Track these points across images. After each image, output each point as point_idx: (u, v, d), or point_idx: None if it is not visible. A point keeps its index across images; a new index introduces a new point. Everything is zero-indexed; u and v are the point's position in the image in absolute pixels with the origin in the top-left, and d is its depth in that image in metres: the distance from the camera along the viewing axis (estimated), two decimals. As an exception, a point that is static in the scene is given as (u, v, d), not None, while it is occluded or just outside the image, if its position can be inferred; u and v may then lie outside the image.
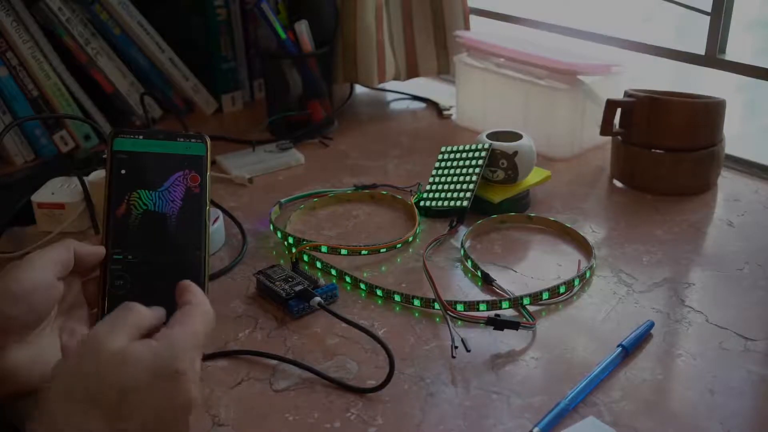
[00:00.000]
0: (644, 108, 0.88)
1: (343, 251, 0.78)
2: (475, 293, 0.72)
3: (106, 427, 0.44)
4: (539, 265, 0.76)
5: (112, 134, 0.57)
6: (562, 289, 0.70)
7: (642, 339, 0.64)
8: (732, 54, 0.97)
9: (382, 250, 0.79)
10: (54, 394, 0.45)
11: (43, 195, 0.84)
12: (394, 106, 1.24)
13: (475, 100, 1.11)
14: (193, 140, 0.58)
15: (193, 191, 0.57)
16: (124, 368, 0.45)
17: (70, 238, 0.56)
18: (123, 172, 0.56)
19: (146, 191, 0.56)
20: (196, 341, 0.48)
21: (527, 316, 0.68)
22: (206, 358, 0.63)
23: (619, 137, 0.92)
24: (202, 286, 0.56)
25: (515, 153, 0.84)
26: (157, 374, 0.45)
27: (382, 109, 1.22)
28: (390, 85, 1.24)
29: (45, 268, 0.53)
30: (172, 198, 0.57)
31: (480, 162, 0.84)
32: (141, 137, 0.57)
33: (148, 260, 0.55)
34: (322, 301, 0.68)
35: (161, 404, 0.45)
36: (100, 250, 0.55)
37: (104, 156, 0.58)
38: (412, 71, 1.21)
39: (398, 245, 0.80)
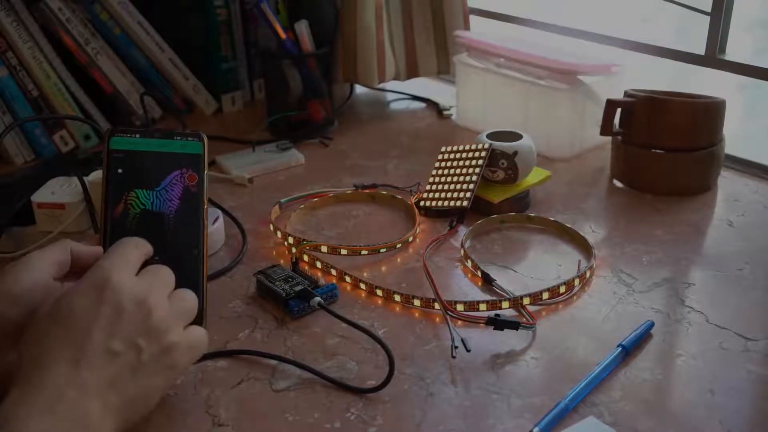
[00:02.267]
0: (644, 108, 0.88)
1: (343, 251, 0.78)
2: (475, 293, 0.72)
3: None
4: (539, 265, 0.76)
5: (109, 133, 0.57)
6: (562, 289, 0.71)
7: (642, 339, 0.64)
8: (732, 54, 0.97)
9: (382, 250, 0.79)
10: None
11: (43, 195, 0.84)
12: (394, 106, 1.24)
13: (475, 100, 1.11)
14: (190, 139, 0.58)
15: (190, 190, 0.57)
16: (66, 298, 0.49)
17: (68, 239, 0.56)
18: (120, 171, 0.56)
19: (144, 190, 0.56)
20: (121, 256, 0.52)
21: (527, 316, 0.68)
22: (206, 358, 0.63)
23: (619, 137, 0.92)
24: (199, 285, 0.56)
25: (515, 153, 0.84)
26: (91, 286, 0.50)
27: (382, 109, 1.22)
28: (390, 85, 1.24)
29: (42, 269, 0.53)
30: (169, 197, 0.57)
31: (480, 162, 0.84)
32: (138, 136, 0.57)
33: (146, 260, 0.55)
34: (322, 301, 0.68)
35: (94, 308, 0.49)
36: (98, 251, 0.55)
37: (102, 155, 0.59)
38: (412, 71, 1.21)
39: (398, 245, 0.80)
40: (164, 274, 0.54)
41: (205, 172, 0.58)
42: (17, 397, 0.46)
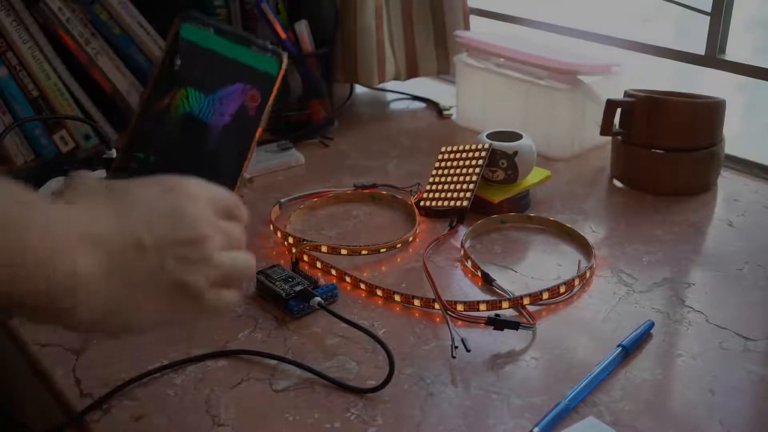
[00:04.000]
0: (644, 108, 0.88)
1: (343, 251, 0.78)
2: (475, 293, 0.72)
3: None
4: (539, 265, 0.76)
5: (182, 18, 0.50)
6: (562, 289, 0.70)
7: (642, 339, 0.64)
8: (732, 54, 0.97)
9: (382, 250, 0.79)
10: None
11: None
12: (394, 106, 1.24)
13: (475, 100, 1.11)
14: (268, 54, 0.51)
15: (248, 111, 0.50)
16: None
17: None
18: (179, 62, 0.49)
19: (196, 92, 0.49)
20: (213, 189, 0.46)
21: (527, 316, 0.68)
22: (206, 358, 0.63)
23: (619, 137, 0.92)
24: None
25: (515, 153, 0.84)
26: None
27: (382, 109, 1.22)
28: (390, 85, 1.24)
29: None
30: (222, 111, 0.49)
31: (480, 162, 0.84)
32: (212, 30, 0.50)
33: (168, 168, 0.47)
34: (322, 301, 0.68)
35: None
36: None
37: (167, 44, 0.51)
38: (412, 71, 1.21)
39: (398, 245, 0.80)
40: (237, 232, 0.48)
41: (272, 96, 0.50)
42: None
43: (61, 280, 0.40)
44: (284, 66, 0.50)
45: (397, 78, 1.19)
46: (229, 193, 0.48)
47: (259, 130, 0.50)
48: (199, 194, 0.45)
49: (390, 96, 1.27)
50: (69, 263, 0.40)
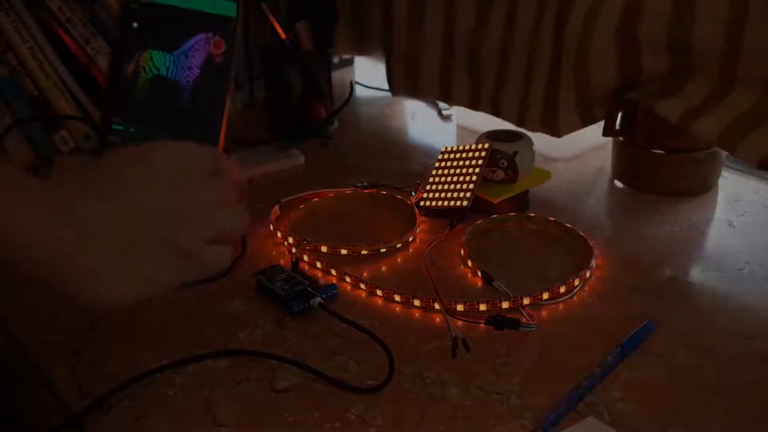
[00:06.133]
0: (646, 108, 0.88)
1: (343, 251, 0.78)
2: (475, 293, 0.72)
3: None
4: (539, 265, 0.76)
5: None
6: (562, 289, 0.70)
7: (642, 339, 0.64)
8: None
9: (382, 250, 0.79)
10: None
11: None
12: (394, 106, 1.24)
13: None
14: None
15: (214, 60, 0.49)
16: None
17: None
18: (135, 25, 0.48)
19: (160, 52, 0.49)
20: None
21: (527, 316, 0.68)
22: (206, 358, 0.63)
23: (621, 138, 0.92)
24: None
25: (515, 153, 0.84)
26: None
27: (382, 109, 1.22)
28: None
29: None
30: (188, 65, 0.49)
31: (480, 162, 0.84)
32: None
33: (150, 136, 0.47)
34: (322, 301, 0.68)
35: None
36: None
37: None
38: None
39: (398, 245, 0.80)
40: (223, 189, 0.48)
41: (235, 39, 0.49)
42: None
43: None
44: (241, 5, 0.50)
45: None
46: (209, 149, 0.48)
47: (232, 77, 0.50)
48: (174, 162, 0.45)
49: (390, 96, 1.27)
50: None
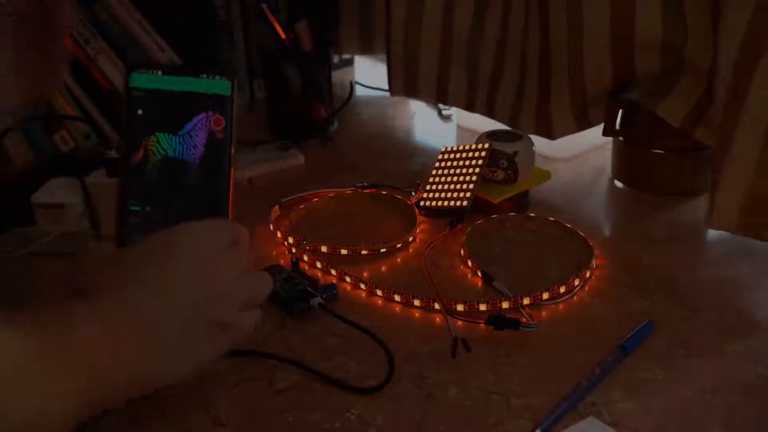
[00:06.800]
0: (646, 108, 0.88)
1: (343, 251, 0.78)
2: (475, 293, 0.72)
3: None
4: (539, 265, 0.76)
5: (129, 68, 0.52)
6: (562, 289, 0.70)
7: (642, 339, 0.64)
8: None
9: (382, 250, 0.79)
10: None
11: (43, 195, 0.84)
12: (394, 106, 1.24)
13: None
14: (218, 77, 0.53)
15: (216, 136, 0.52)
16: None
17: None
18: (140, 112, 0.52)
19: (165, 135, 0.52)
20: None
21: (527, 316, 0.68)
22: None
23: (621, 138, 0.92)
24: None
25: (515, 153, 0.84)
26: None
27: (382, 109, 1.22)
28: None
29: None
30: (193, 143, 0.52)
31: (480, 162, 0.84)
32: (160, 73, 0.53)
33: (167, 212, 0.51)
34: (322, 301, 0.68)
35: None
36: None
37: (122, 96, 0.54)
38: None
39: (398, 245, 0.80)
40: (243, 257, 0.52)
41: (234, 115, 0.53)
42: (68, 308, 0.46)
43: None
44: (235, 81, 0.53)
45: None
46: (224, 223, 0.52)
47: (233, 147, 0.53)
48: (200, 244, 0.50)
49: (390, 96, 1.27)
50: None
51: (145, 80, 0.52)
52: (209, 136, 0.52)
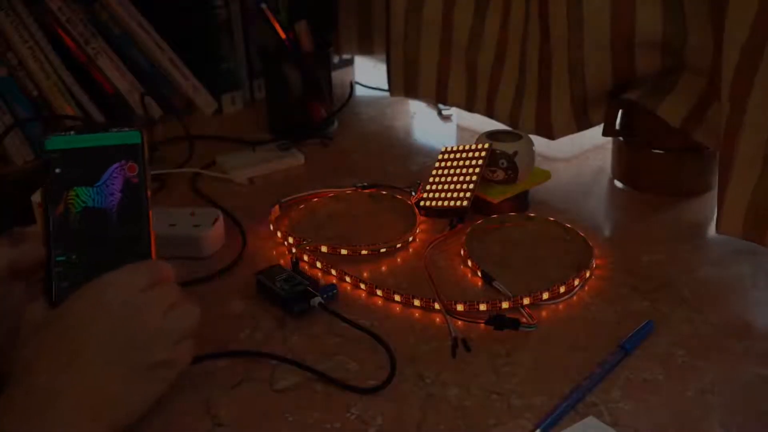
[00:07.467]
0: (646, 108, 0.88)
1: (343, 251, 0.78)
2: (475, 293, 0.72)
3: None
4: (539, 265, 0.76)
5: (44, 138, 0.57)
6: (562, 289, 0.71)
7: (642, 339, 0.64)
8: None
9: (382, 250, 0.79)
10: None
11: (43, 195, 0.84)
12: (394, 106, 1.24)
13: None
14: (126, 129, 0.57)
15: (131, 182, 0.56)
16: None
17: (2, 239, 0.57)
18: (58, 171, 0.56)
19: (83, 188, 0.56)
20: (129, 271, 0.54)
21: (527, 316, 0.68)
22: (206, 358, 0.63)
23: (621, 138, 0.92)
24: None
25: (515, 153, 0.84)
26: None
27: (382, 109, 1.22)
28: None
29: None
30: (110, 191, 0.56)
31: (480, 162, 0.84)
32: (73, 133, 0.57)
33: (92, 259, 0.55)
34: (322, 301, 0.68)
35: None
36: (38, 251, 0.55)
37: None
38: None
39: (398, 245, 0.80)
40: (170, 293, 0.55)
41: (146, 161, 0.57)
42: (5, 403, 0.47)
43: None
44: (144, 133, 0.57)
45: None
46: (143, 265, 0.55)
47: (148, 189, 0.57)
48: (120, 295, 0.52)
49: (390, 96, 1.27)
50: None
51: (60, 142, 0.56)
52: (125, 183, 0.56)
